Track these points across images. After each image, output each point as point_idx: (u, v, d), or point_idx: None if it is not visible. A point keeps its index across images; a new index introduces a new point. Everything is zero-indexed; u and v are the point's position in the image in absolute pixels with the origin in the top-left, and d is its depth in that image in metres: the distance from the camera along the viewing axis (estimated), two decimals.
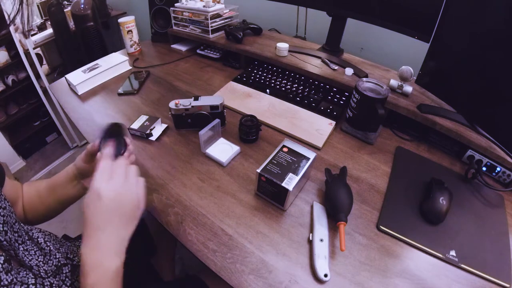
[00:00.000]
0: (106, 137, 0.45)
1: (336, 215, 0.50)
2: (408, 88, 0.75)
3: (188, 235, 0.51)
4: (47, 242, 0.45)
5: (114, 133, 0.46)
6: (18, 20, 0.41)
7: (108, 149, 0.42)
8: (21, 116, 1.66)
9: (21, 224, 0.43)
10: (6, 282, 0.33)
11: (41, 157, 1.84)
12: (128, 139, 0.48)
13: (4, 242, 0.36)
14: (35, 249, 0.41)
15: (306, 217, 0.54)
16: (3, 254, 0.34)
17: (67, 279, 0.43)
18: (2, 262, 0.33)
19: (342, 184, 0.55)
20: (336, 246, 0.49)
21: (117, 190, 0.38)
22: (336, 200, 0.52)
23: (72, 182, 0.53)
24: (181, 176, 0.62)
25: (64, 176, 0.53)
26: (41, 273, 0.40)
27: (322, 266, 0.45)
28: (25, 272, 0.37)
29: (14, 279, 0.34)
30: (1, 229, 0.36)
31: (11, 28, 1.34)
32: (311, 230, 0.51)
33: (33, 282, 0.37)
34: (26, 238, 0.42)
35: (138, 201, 0.40)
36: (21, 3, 0.39)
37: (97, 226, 0.37)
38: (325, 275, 0.44)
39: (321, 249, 0.47)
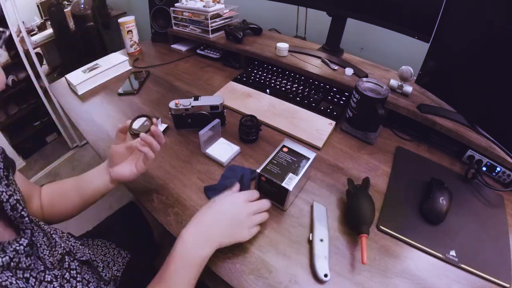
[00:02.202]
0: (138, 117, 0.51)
1: (358, 227, 0.48)
2: (408, 88, 0.75)
3: None
4: (53, 235, 0.46)
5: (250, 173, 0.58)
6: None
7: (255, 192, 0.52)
8: (21, 116, 1.66)
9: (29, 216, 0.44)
10: (25, 266, 0.34)
11: (41, 157, 1.83)
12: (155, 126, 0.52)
13: (27, 219, 0.38)
14: (40, 242, 0.41)
15: (306, 217, 0.54)
16: (27, 238, 0.36)
17: (66, 273, 0.43)
18: (25, 245, 0.35)
19: (365, 196, 0.53)
20: (357, 259, 0.47)
21: (245, 212, 0.47)
22: (359, 212, 0.50)
23: (104, 175, 0.54)
24: (181, 176, 0.62)
25: (95, 171, 0.55)
26: (47, 264, 0.40)
27: (322, 266, 0.45)
28: (34, 260, 0.37)
29: (32, 265, 0.35)
30: (25, 210, 0.38)
31: (11, 28, 1.34)
32: (311, 230, 0.51)
33: (42, 269, 0.38)
34: (35, 228, 0.42)
35: (244, 237, 0.46)
36: None
37: (201, 220, 0.45)
38: (325, 275, 0.44)
39: (321, 249, 0.47)
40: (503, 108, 0.56)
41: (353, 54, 0.99)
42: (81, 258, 0.49)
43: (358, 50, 1.11)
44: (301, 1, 0.99)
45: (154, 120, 0.56)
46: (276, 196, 0.54)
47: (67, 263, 0.45)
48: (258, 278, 0.45)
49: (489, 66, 0.57)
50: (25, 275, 0.34)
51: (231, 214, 0.47)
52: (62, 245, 0.45)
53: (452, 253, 0.48)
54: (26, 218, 0.38)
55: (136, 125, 0.73)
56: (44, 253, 0.41)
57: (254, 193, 0.51)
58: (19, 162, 1.74)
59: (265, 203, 0.50)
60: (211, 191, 0.58)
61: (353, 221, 0.51)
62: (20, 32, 1.40)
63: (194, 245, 0.43)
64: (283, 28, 1.24)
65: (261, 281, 0.44)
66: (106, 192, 0.55)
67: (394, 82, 0.77)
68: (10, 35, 1.34)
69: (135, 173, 0.53)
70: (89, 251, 0.56)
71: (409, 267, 0.47)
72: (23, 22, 1.42)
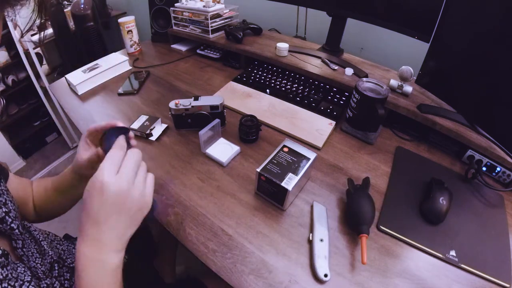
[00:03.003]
0: (112, 132, 0.42)
1: (358, 227, 0.48)
2: (408, 88, 0.75)
3: (188, 235, 0.51)
4: (42, 242, 0.45)
5: (120, 130, 0.43)
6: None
7: (121, 139, 0.39)
8: (21, 116, 1.66)
9: (22, 221, 0.43)
10: (1, 277, 0.32)
11: (41, 157, 1.83)
12: (134, 140, 0.45)
13: (16, 231, 0.37)
14: (32, 250, 0.41)
15: (306, 217, 0.54)
16: (1, 248, 0.34)
17: (56, 282, 0.43)
18: None
19: (365, 196, 0.53)
20: (357, 259, 0.47)
21: (122, 185, 0.34)
22: (359, 212, 0.50)
23: (75, 185, 0.52)
24: (181, 176, 0.62)
25: (66, 179, 0.53)
26: (39, 274, 0.40)
27: (322, 266, 0.45)
28: (23, 269, 0.37)
29: (9, 275, 0.33)
30: (14, 222, 0.37)
31: (11, 28, 1.34)
32: (311, 230, 0.51)
33: (29, 279, 0.35)
34: (27, 235, 0.42)
35: (144, 202, 0.37)
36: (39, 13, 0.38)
37: (97, 221, 0.34)
38: (325, 275, 0.44)
39: (321, 249, 0.47)
40: (503, 108, 0.56)
41: (353, 54, 0.99)
42: (71, 265, 0.48)
43: (358, 50, 1.11)
44: (301, 1, 0.99)
45: (131, 134, 0.45)
46: (276, 196, 0.54)
47: (56, 271, 0.44)
48: (258, 278, 0.45)
49: (489, 66, 0.57)
50: (3, 285, 0.31)
51: (118, 197, 0.34)
52: (50, 253, 0.45)
53: (452, 253, 0.48)
54: (16, 230, 0.37)
55: (136, 125, 0.74)
56: (36, 261, 0.40)
57: (117, 151, 0.37)
58: (19, 162, 1.74)
59: (135, 152, 0.38)
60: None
61: (353, 221, 0.51)
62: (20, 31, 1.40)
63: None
64: (283, 28, 1.24)
65: (261, 281, 0.44)
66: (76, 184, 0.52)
67: (394, 82, 0.77)
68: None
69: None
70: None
71: (409, 267, 0.47)
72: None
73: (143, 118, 0.76)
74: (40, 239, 0.45)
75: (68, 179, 0.52)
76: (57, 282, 0.43)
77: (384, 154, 0.69)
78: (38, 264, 0.40)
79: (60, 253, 0.49)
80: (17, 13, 0.30)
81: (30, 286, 0.35)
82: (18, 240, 0.38)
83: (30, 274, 0.37)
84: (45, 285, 0.39)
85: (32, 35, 1.63)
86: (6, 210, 0.38)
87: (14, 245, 0.37)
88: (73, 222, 1.43)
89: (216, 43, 1.06)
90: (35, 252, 0.41)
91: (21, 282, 0.34)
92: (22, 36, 1.28)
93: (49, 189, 0.54)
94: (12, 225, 0.37)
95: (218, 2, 1.11)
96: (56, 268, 0.44)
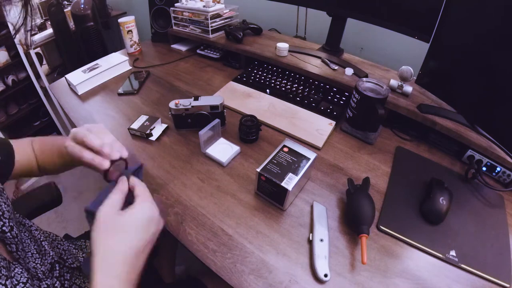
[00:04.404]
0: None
1: (358, 227, 0.48)
2: (408, 88, 0.75)
3: (188, 235, 0.51)
4: (43, 242, 0.45)
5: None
6: (22, 32, 0.40)
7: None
8: (21, 116, 1.66)
9: (21, 222, 0.43)
10: None
11: None
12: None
13: (9, 234, 0.36)
14: (32, 251, 0.41)
15: (306, 217, 0.54)
16: None
17: (57, 282, 0.43)
18: None
19: (365, 196, 0.53)
20: (357, 259, 0.47)
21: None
22: (359, 212, 0.50)
23: (61, 158, 0.49)
24: (181, 176, 0.62)
25: (53, 149, 0.50)
26: (39, 274, 0.39)
27: (322, 266, 0.45)
28: (20, 270, 0.36)
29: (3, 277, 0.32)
30: (7, 223, 0.36)
31: (11, 28, 1.34)
32: (311, 230, 0.51)
33: (24, 281, 0.35)
34: (27, 235, 0.42)
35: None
36: (26, 14, 0.38)
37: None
38: (325, 275, 0.44)
39: (321, 249, 0.47)
40: (503, 108, 0.56)
41: (353, 54, 0.99)
42: (72, 265, 0.48)
43: (358, 50, 1.11)
44: (301, 1, 0.99)
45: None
46: (276, 196, 0.54)
47: (57, 271, 0.44)
48: (258, 278, 0.45)
49: (489, 66, 0.57)
50: None
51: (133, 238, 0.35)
52: (51, 254, 0.44)
53: (452, 253, 0.48)
54: (8, 234, 0.36)
55: (136, 125, 0.74)
56: (36, 261, 0.40)
57: (122, 183, 0.38)
58: None
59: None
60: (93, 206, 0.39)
61: (353, 221, 0.51)
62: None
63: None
64: (283, 28, 1.24)
65: (261, 281, 0.44)
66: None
67: (394, 82, 0.77)
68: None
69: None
70: (84, 255, 0.55)
71: (409, 267, 0.47)
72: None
73: (143, 118, 0.76)
74: (41, 239, 0.45)
75: (57, 150, 0.50)
76: (58, 282, 0.43)
77: (384, 154, 0.69)
78: (38, 265, 0.40)
79: (61, 253, 0.49)
80: (6, 13, 0.30)
81: (40, 285, 0.35)
82: (12, 244, 0.36)
83: (27, 276, 0.36)
84: (45, 285, 0.39)
85: (32, 35, 1.64)
86: None
87: (9, 249, 0.36)
88: (73, 222, 1.43)
89: (216, 43, 1.06)
90: (35, 252, 0.41)
91: (16, 282, 0.34)
92: (14, 37, 1.27)
93: (35, 149, 0.53)
94: (4, 228, 0.36)
95: (218, 2, 1.11)
96: (57, 268, 0.44)
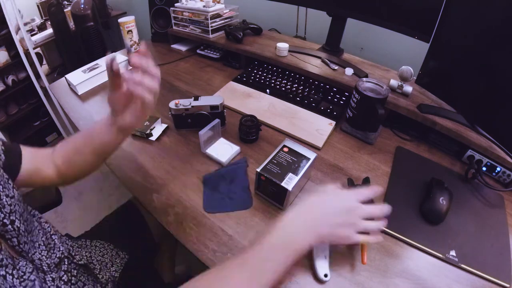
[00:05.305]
0: None
1: None
2: (408, 88, 0.75)
3: (188, 235, 0.51)
4: (53, 236, 0.45)
5: None
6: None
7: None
8: (21, 116, 1.66)
9: (31, 213, 0.43)
10: None
11: None
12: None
13: (9, 227, 0.36)
14: (39, 242, 0.41)
15: None
16: None
17: (64, 275, 0.43)
18: None
19: None
20: (357, 259, 0.48)
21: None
22: None
23: (108, 127, 0.47)
24: (181, 176, 0.62)
25: (100, 123, 0.48)
26: (43, 267, 0.39)
27: (322, 266, 0.45)
28: (24, 262, 0.36)
29: (5, 260, 0.33)
30: (7, 218, 0.35)
31: (11, 28, 1.34)
32: None
33: (30, 270, 0.35)
34: (36, 225, 0.41)
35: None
36: None
37: (307, 208, 0.42)
38: (325, 275, 0.44)
39: (321, 249, 0.47)
40: (503, 108, 0.56)
41: (353, 54, 0.99)
42: (79, 262, 0.49)
43: (358, 50, 1.11)
44: (301, 1, 0.99)
45: (143, 48, 0.42)
46: (276, 196, 0.54)
47: (65, 265, 0.44)
48: None
49: (489, 66, 0.57)
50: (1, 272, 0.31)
51: (340, 208, 0.42)
52: (61, 249, 0.45)
53: (452, 253, 0.48)
54: (9, 226, 0.36)
55: None
56: (42, 254, 0.40)
57: (366, 193, 0.45)
58: None
59: (382, 209, 0.44)
60: (210, 180, 0.59)
61: None
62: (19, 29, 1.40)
63: (296, 232, 0.40)
64: (283, 28, 1.24)
65: None
66: (117, 144, 0.50)
67: (394, 82, 0.77)
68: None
69: (141, 118, 0.46)
70: (87, 253, 0.55)
71: (409, 267, 0.47)
72: (22, 16, 1.41)
73: None
74: (51, 232, 0.45)
75: (103, 121, 0.48)
76: (65, 276, 0.43)
77: (384, 154, 0.69)
78: (44, 257, 0.40)
79: (69, 249, 0.49)
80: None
81: (32, 276, 0.35)
82: (13, 238, 0.36)
83: (31, 266, 0.36)
84: (50, 278, 0.39)
85: (32, 35, 1.64)
86: None
87: (10, 243, 0.36)
88: (73, 222, 1.43)
89: (216, 43, 1.06)
90: (42, 244, 0.41)
91: (22, 274, 0.34)
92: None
93: (78, 139, 0.51)
94: (5, 220, 0.35)
95: (218, 2, 1.11)
96: (66, 263, 0.45)
